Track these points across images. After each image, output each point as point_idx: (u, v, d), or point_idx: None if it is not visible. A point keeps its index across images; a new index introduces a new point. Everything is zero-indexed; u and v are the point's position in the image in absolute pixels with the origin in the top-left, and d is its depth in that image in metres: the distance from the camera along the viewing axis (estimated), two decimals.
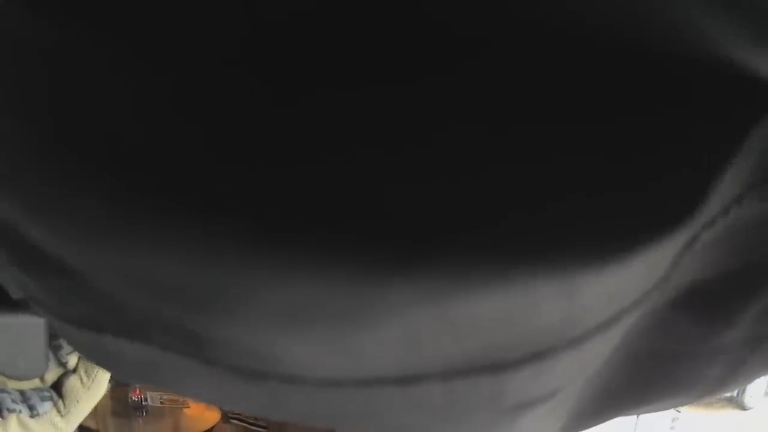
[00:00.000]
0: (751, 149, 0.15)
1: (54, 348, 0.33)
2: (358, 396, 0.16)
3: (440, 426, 0.17)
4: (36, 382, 0.35)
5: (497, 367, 0.15)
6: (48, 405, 0.34)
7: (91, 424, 2.89)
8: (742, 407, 5.42)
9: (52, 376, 0.34)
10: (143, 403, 3.06)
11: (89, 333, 0.18)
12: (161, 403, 3.13)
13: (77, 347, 0.20)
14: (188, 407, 3.25)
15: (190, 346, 0.15)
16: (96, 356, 0.19)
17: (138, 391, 3.03)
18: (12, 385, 0.35)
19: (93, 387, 0.35)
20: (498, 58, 0.14)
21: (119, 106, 0.14)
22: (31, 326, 0.30)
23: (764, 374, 0.22)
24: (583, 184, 0.13)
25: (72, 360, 0.34)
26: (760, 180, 0.17)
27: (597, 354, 0.17)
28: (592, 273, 0.13)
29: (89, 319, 0.17)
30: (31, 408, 0.34)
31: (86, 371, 0.35)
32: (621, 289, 0.14)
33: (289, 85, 0.13)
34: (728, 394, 5.28)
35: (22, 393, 0.34)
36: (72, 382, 0.35)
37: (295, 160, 0.13)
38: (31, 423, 0.34)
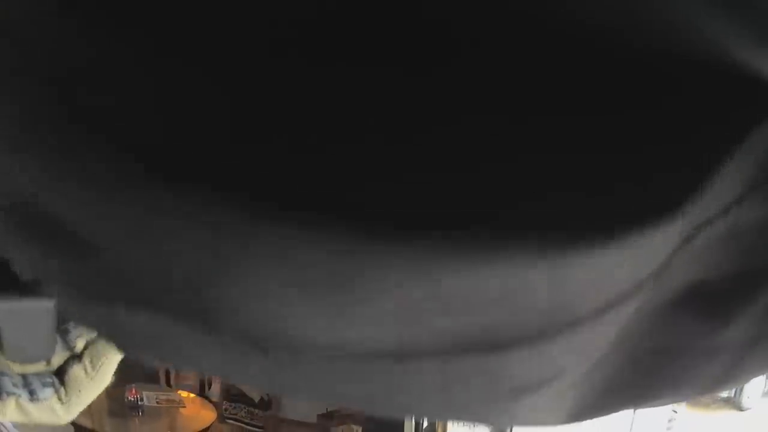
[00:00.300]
0: (751, 150, 0.16)
1: (62, 332, 0.33)
2: (356, 370, 0.16)
3: (438, 407, 0.18)
4: (41, 366, 0.34)
5: (491, 346, 0.15)
6: (49, 391, 0.34)
7: (88, 424, 2.89)
8: (740, 408, 5.43)
9: (58, 359, 0.34)
10: (139, 402, 3.06)
11: (100, 305, 0.18)
12: (157, 402, 3.12)
13: (87, 322, 0.21)
14: (184, 407, 3.25)
15: (198, 314, 0.16)
16: (106, 329, 0.20)
17: (134, 391, 3.03)
18: (17, 368, 0.35)
19: (97, 378, 0.35)
20: (500, 57, 0.14)
21: (139, 91, 0.14)
22: (40, 311, 0.30)
23: (762, 373, 0.22)
24: (576, 177, 0.14)
25: (80, 344, 0.34)
26: (762, 181, 0.17)
27: (593, 343, 0.17)
28: (579, 256, 0.14)
29: (102, 291, 0.18)
30: (31, 393, 0.34)
31: (92, 362, 0.35)
32: (610, 276, 0.15)
33: (310, 74, 0.14)
34: (725, 395, 5.29)
35: (24, 377, 0.34)
36: (76, 371, 0.35)
37: (303, 146, 0.14)
38: (31, 407, 0.34)
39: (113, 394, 3.04)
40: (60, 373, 0.34)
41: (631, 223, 0.14)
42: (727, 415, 5.22)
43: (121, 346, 0.21)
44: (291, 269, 0.14)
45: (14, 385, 0.33)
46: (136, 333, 0.18)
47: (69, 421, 0.34)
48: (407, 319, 0.15)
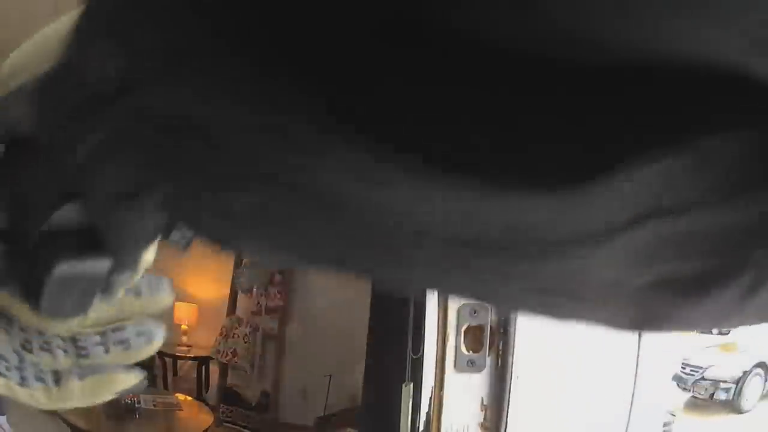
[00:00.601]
0: (705, 153, 0.17)
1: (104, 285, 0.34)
2: (443, 254, 0.21)
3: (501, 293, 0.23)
4: (79, 320, 0.35)
5: (473, 245, 0.20)
6: (39, 385, 0.34)
7: (84, 426, 2.88)
8: (739, 411, 5.42)
9: (96, 313, 0.35)
10: (136, 405, 3.05)
11: (206, 192, 0.23)
12: (154, 405, 3.12)
13: (188, 216, 0.26)
14: (181, 410, 3.24)
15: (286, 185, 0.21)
16: (207, 215, 0.24)
17: (131, 394, 3.02)
18: (60, 329, 0.35)
19: (89, 399, 0.35)
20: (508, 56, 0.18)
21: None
22: (94, 271, 0.31)
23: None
24: (541, 140, 0.18)
25: (119, 290, 0.34)
26: (725, 188, 0.18)
27: (559, 276, 0.21)
28: (520, 196, 0.18)
29: (212, 180, 0.23)
30: (22, 378, 0.34)
31: (92, 388, 0.35)
32: (558, 215, 0.19)
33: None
34: (723, 397, 5.27)
35: (20, 359, 0.34)
36: (73, 386, 0.35)
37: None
38: (18, 390, 0.34)
39: None
40: (58, 374, 0.34)
41: (558, 181, 0.18)
42: (726, 418, 5.21)
43: (213, 231, 0.25)
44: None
45: (7, 369, 0.34)
46: (232, 211, 0.23)
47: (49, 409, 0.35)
48: (462, 221, 0.20)
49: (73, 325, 0.34)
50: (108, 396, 0.35)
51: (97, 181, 0.27)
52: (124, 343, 0.35)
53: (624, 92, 0.17)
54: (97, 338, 0.35)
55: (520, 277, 0.21)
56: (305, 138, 0.19)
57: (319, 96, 0.19)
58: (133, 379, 0.36)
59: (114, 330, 0.35)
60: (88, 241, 0.30)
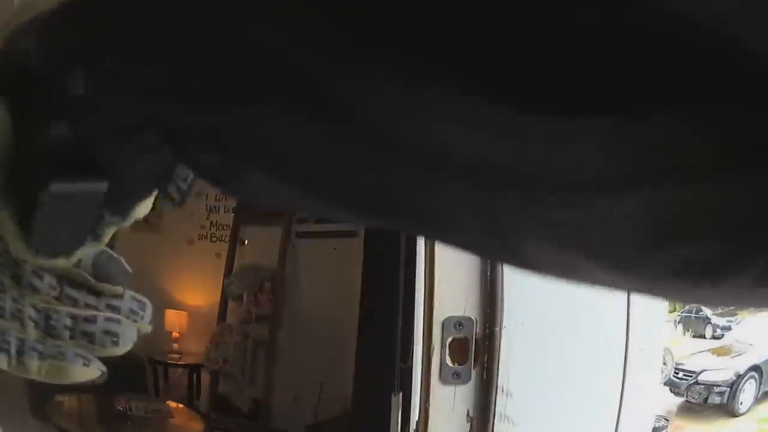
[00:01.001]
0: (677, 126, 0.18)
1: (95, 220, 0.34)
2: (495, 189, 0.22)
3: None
4: (63, 261, 0.34)
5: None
6: (3, 356, 0.34)
7: None
8: (733, 414, 5.42)
9: (83, 252, 0.34)
10: (128, 412, 3.04)
11: (235, 111, 0.24)
12: (146, 412, 3.11)
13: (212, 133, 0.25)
14: (173, 417, 3.24)
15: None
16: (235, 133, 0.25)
17: (123, 401, 3.01)
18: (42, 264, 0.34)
19: (45, 377, 0.36)
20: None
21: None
22: (90, 195, 0.30)
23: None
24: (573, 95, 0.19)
25: (108, 232, 0.34)
26: (726, 158, 0.18)
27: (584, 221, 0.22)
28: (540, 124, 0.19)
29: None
30: None
31: (46, 372, 0.35)
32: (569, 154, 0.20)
33: None
34: (717, 401, 5.27)
35: None
36: (34, 363, 0.36)
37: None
38: None
39: (102, 403, 3.03)
40: (22, 346, 0.34)
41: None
42: (720, 422, 5.22)
43: (221, 167, 0.26)
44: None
45: None
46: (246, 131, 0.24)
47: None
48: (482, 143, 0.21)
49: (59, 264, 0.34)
50: (63, 382, 0.35)
51: (101, 113, 0.27)
52: (89, 337, 0.35)
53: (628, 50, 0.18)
54: (69, 322, 0.35)
55: (539, 223, 0.22)
56: (360, 61, 0.20)
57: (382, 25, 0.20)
58: (90, 374, 0.36)
59: (85, 319, 0.35)
60: (85, 163, 0.29)
